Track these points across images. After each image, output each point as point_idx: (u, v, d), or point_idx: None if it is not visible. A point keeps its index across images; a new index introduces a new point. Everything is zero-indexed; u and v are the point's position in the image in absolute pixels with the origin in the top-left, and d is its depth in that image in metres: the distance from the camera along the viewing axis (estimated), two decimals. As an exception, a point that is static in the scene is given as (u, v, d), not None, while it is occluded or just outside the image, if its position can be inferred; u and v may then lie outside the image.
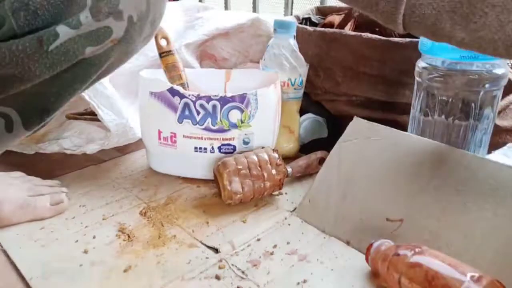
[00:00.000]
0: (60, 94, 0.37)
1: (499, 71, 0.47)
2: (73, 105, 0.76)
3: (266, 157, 0.54)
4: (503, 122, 0.60)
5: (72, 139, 0.66)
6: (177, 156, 0.59)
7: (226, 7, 1.64)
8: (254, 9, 1.62)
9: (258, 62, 0.89)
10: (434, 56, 0.49)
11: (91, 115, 0.70)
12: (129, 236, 0.48)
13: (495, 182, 0.42)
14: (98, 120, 0.63)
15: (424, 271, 0.35)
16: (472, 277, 0.31)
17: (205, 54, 0.88)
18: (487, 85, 0.47)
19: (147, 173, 0.64)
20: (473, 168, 0.44)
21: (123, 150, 0.71)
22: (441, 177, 0.45)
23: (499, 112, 0.61)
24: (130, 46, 0.38)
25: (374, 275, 0.41)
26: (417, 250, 0.37)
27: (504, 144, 0.59)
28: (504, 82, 0.48)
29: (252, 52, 0.90)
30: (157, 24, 0.41)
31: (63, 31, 0.32)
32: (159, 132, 0.59)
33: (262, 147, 0.57)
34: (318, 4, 1.43)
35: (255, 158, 0.53)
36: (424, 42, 0.50)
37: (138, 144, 0.71)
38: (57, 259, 0.44)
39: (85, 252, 0.45)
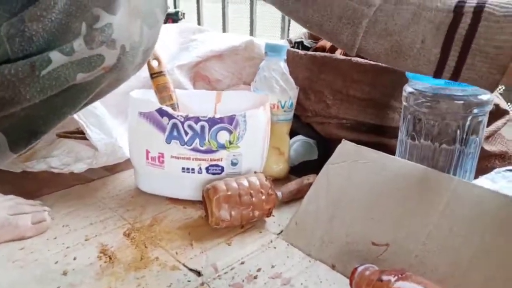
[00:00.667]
0: (49, 117, 0.37)
1: (484, 96, 0.47)
2: (65, 124, 0.76)
3: (258, 184, 0.53)
4: (491, 147, 0.60)
5: (61, 157, 0.66)
6: (164, 176, 0.59)
7: (224, 30, 1.67)
8: (251, 33, 1.65)
9: (250, 84, 0.90)
10: (420, 81, 0.49)
11: (81, 134, 0.70)
12: (110, 258, 0.47)
13: (481, 207, 0.42)
14: (87, 139, 0.63)
15: (407, 298, 0.34)
16: (454, 305, 0.31)
17: (199, 75, 0.88)
18: (474, 111, 0.48)
19: (134, 193, 0.63)
20: (460, 193, 0.44)
21: (112, 170, 0.70)
22: (428, 202, 0.45)
23: (488, 137, 0.61)
24: (121, 73, 0.38)
25: (358, 301, 0.40)
26: (401, 275, 0.36)
27: (492, 169, 0.59)
28: (489, 108, 0.49)
29: (245, 74, 0.90)
30: (150, 53, 0.42)
31: (56, 58, 0.33)
32: (147, 152, 0.59)
33: (255, 172, 0.57)
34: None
35: (246, 184, 0.53)
36: (409, 66, 0.50)
37: (128, 164, 0.70)
38: (35, 280, 0.43)
39: (64, 273, 0.44)
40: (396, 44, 0.40)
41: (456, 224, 0.42)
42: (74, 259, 0.47)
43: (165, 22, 1.76)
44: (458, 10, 0.36)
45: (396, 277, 0.36)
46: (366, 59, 0.60)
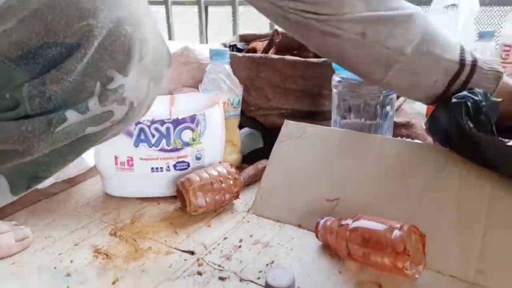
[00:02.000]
0: (52, 164, 0.40)
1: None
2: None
3: (225, 172, 0.61)
4: (398, 119, 0.76)
5: (20, 176, 0.66)
6: (134, 178, 0.64)
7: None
8: (170, 37, 1.69)
9: (191, 86, 0.97)
10: (344, 72, 0.62)
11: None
12: (107, 255, 0.51)
13: (401, 154, 0.56)
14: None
15: (361, 233, 0.45)
16: (396, 227, 0.43)
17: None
18: (383, 91, 0.62)
19: (104, 199, 0.66)
20: (384, 147, 0.57)
21: (71, 182, 0.72)
22: (363, 158, 0.57)
23: (396, 110, 0.77)
24: (126, 125, 0.42)
25: (325, 247, 0.51)
26: (355, 218, 0.48)
27: (401, 135, 0.75)
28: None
29: (184, 78, 0.97)
30: (151, 105, 0.45)
31: (72, 116, 0.36)
32: (116, 158, 0.63)
33: (220, 162, 0.65)
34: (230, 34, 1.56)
35: (215, 173, 0.60)
36: (336, 61, 0.63)
37: (85, 175, 0.73)
38: (43, 286, 0.46)
39: (68, 275, 0.48)
40: (417, 82, 0.53)
41: (388, 171, 0.55)
42: (71, 262, 0.50)
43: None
44: (462, 63, 0.52)
45: (351, 220, 0.48)
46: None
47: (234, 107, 0.73)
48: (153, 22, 0.41)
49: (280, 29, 0.84)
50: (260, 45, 0.85)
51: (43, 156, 0.38)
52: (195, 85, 0.96)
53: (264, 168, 0.71)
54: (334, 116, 0.70)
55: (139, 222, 0.59)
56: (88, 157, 0.70)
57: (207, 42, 1.61)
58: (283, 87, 0.75)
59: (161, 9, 1.70)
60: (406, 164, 0.55)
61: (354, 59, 0.53)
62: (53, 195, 0.68)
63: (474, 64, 0.52)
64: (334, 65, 0.64)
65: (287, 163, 0.63)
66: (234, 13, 1.55)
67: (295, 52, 0.83)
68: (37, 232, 0.57)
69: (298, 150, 0.63)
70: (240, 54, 0.77)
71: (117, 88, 0.37)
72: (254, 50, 0.86)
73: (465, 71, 0.51)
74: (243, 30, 1.70)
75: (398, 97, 0.78)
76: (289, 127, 0.66)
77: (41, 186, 0.66)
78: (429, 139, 0.74)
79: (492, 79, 0.52)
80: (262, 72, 0.75)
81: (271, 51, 0.81)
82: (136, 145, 0.62)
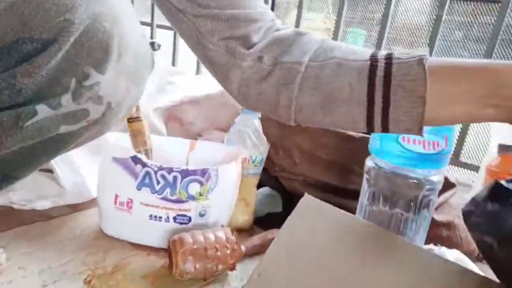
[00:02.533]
0: (25, 163, 0.38)
1: (435, 178, 0.53)
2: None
3: (224, 239, 0.55)
4: (439, 217, 0.65)
5: (23, 192, 0.64)
6: (131, 222, 0.59)
7: (197, 72, 1.70)
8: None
9: (223, 130, 0.93)
10: (380, 158, 0.54)
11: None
12: (68, 308, 0.46)
13: (427, 269, 0.46)
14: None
15: None
16: None
17: (172, 116, 0.90)
18: (425, 192, 0.53)
19: (97, 235, 0.62)
20: (409, 256, 0.47)
21: (74, 207, 0.69)
22: (381, 263, 0.48)
23: (437, 207, 0.67)
24: (104, 127, 0.40)
25: None
26: None
27: (440, 236, 0.64)
28: (439, 188, 0.54)
29: (219, 120, 0.94)
30: (133, 108, 0.43)
31: (43, 110, 0.34)
32: (116, 196, 0.59)
33: (222, 225, 0.59)
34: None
35: (212, 238, 0.54)
36: (373, 144, 0.55)
37: (91, 202, 0.70)
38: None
39: (18, 323, 0.43)
40: (328, 94, 0.43)
41: (404, 277, 0.45)
42: (30, 307, 0.45)
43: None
44: (372, 58, 0.42)
45: None
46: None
47: (255, 165, 0.68)
48: (134, 20, 0.39)
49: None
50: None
51: (15, 154, 0.36)
52: (228, 129, 0.92)
53: (272, 240, 0.63)
54: (362, 198, 0.62)
55: (120, 273, 0.54)
56: (93, 187, 0.66)
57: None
58: (312, 154, 0.68)
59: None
60: (428, 281, 0.45)
61: (258, 89, 0.46)
62: (50, 218, 0.65)
63: (389, 56, 0.41)
64: (371, 148, 0.56)
65: (296, 244, 0.55)
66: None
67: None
68: (14, 259, 0.53)
69: (311, 232, 0.55)
70: (275, 110, 0.72)
71: (92, 85, 0.36)
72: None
73: (380, 65, 0.41)
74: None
75: (443, 190, 0.68)
76: (308, 201, 0.58)
77: (41, 207, 0.63)
78: (474, 245, 0.63)
79: (415, 64, 0.39)
80: (293, 134, 0.69)
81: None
82: (139, 188, 0.57)
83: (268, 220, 0.72)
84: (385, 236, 0.52)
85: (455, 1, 1.21)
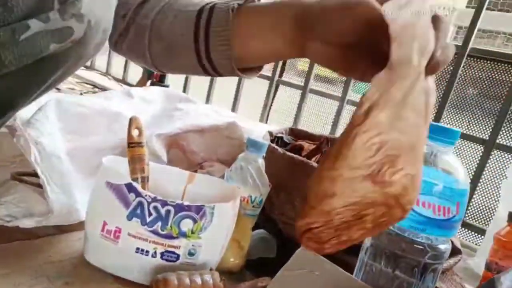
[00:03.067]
0: (17, 91, 0.40)
1: (442, 246, 0.50)
2: (24, 163, 0.72)
3: (211, 284, 0.51)
4: (441, 285, 0.62)
5: (9, 206, 0.61)
6: (115, 253, 0.56)
7: (207, 101, 1.70)
8: (233, 108, 1.68)
9: (225, 163, 0.91)
10: (385, 217, 0.51)
11: (38, 177, 0.66)
12: None
13: None
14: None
15: None
16: None
17: (175, 143, 0.89)
18: (427, 258, 0.50)
19: (78, 262, 0.59)
20: None
21: (61, 227, 0.66)
22: None
23: (442, 273, 0.63)
24: (85, 48, 0.42)
25: None
26: None
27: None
28: (444, 259, 0.51)
29: (221, 152, 0.92)
30: (107, 34, 0.46)
31: (35, 25, 0.37)
32: (104, 223, 0.56)
33: (211, 269, 0.55)
34: (292, 119, 1.52)
35: (199, 282, 0.51)
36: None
37: (80, 224, 0.67)
38: None
39: None
40: (169, 41, 0.51)
41: None
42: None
43: (152, 73, 1.77)
44: (200, 9, 0.50)
45: None
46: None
47: (253, 206, 0.65)
48: None
49: (331, 136, 0.77)
50: (306, 146, 0.77)
51: (6, 84, 0.38)
52: (231, 161, 0.90)
53: (262, 289, 0.60)
54: (362, 256, 0.58)
55: (96, 309, 0.50)
56: (84, 210, 0.64)
57: (266, 122, 1.58)
58: (314, 201, 0.65)
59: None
60: None
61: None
62: (35, 238, 0.62)
63: (213, 5, 0.49)
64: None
65: (287, 300, 0.51)
66: (302, 99, 1.52)
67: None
68: (-14, 281, 0.50)
69: (304, 287, 0.51)
70: (281, 150, 0.70)
71: (74, 1, 0.38)
72: (299, 149, 0.79)
73: (204, 14, 0.49)
74: (306, 119, 1.67)
75: (448, 256, 0.64)
76: (303, 254, 0.55)
77: (25, 225, 0.60)
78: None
79: (226, 11, 0.47)
80: (297, 179, 0.67)
81: (315, 159, 0.73)
82: (129, 218, 0.55)
83: (260, 265, 0.68)
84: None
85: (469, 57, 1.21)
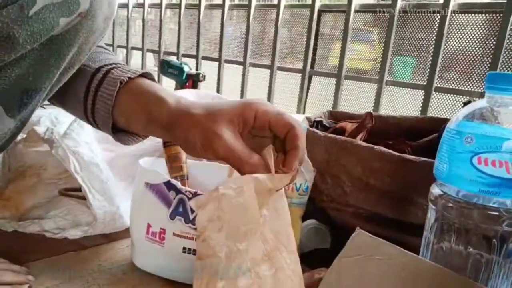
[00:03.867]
0: (36, 72, 0.40)
1: (523, 209, 0.43)
2: (69, 180, 0.73)
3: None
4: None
5: (57, 220, 0.62)
6: (163, 255, 0.54)
7: (242, 96, 1.69)
8: (269, 100, 1.66)
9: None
10: (450, 184, 0.45)
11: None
12: None
13: None
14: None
15: None
16: None
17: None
18: (505, 225, 0.43)
19: (127, 268, 0.58)
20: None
21: (109, 236, 0.65)
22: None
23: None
24: (94, 22, 0.42)
25: None
26: None
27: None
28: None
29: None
30: (114, 7, 0.45)
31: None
32: (148, 226, 0.54)
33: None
34: (330, 106, 1.47)
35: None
36: (439, 167, 0.47)
37: (126, 232, 0.66)
38: None
39: None
40: (66, 91, 0.48)
41: None
42: None
43: (185, 83, 1.78)
44: (99, 68, 0.48)
45: None
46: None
47: (299, 194, 0.61)
48: None
49: (375, 114, 0.71)
50: (349, 126, 0.72)
51: (26, 67, 0.39)
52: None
53: (320, 281, 0.55)
54: (427, 234, 0.52)
55: (148, 314, 0.48)
56: (127, 217, 0.63)
57: (304, 112, 1.54)
58: (365, 182, 0.60)
59: (265, 73, 1.70)
60: None
61: None
62: (82, 248, 0.62)
63: (109, 69, 0.47)
64: (436, 172, 0.48)
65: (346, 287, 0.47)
66: (338, 86, 1.46)
67: (390, 142, 0.68)
68: (39, 293, 0.49)
69: (364, 274, 0.46)
70: (321, 133, 0.65)
71: None
72: (342, 130, 0.74)
73: (98, 76, 0.47)
74: (344, 105, 1.60)
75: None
76: (360, 238, 0.50)
77: (73, 236, 0.60)
78: None
79: (117, 81, 0.45)
80: (342, 159, 0.62)
81: (360, 136, 0.68)
82: (172, 217, 0.53)
83: (315, 257, 0.64)
84: (459, 283, 0.42)
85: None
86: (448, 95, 1.40)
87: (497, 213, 0.43)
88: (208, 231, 0.38)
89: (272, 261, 0.42)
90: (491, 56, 1.12)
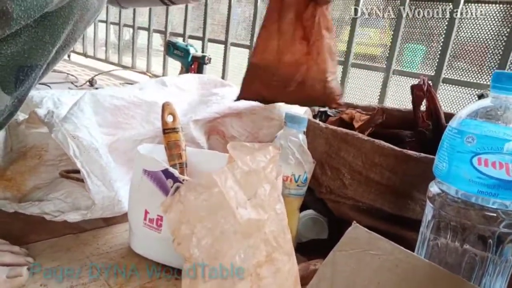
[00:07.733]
0: (32, 49, 0.40)
1: (520, 211, 0.43)
2: (70, 162, 0.73)
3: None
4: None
5: (56, 202, 0.62)
6: (160, 241, 0.54)
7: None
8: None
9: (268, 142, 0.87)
10: (448, 184, 0.45)
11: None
12: (82, 336, 0.42)
13: None
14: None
15: None
16: None
17: (214, 129, 0.86)
18: (502, 227, 0.43)
19: (125, 253, 0.58)
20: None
21: (108, 220, 0.66)
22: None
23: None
24: (86, 1, 0.42)
25: None
26: None
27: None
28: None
29: (262, 134, 0.88)
30: None
31: None
32: (146, 212, 0.55)
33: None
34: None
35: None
36: (439, 166, 0.46)
37: (125, 216, 0.67)
38: None
39: None
40: None
41: None
42: (43, 331, 0.42)
43: (190, 65, 1.76)
44: None
45: None
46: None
47: (298, 185, 0.60)
48: None
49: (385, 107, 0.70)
50: (357, 116, 0.71)
51: (21, 43, 0.39)
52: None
53: (315, 273, 0.56)
54: (424, 230, 0.52)
55: (143, 299, 0.49)
56: (125, 202, 0.63)
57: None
58: (365, 175, 0.60)
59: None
60: None
61: None
62: (82, 231, 0.63)
63: None
64: (436, 170, 0.47)
65: (341, 280, 0.47)
66: (344, 74, 1.44)
67: (395, 133, 0.68)
68: (38, 275, 0.50)
69: (359, 268, 0.46)
70: (322, 125, 0.65)
71: None
72: (349, 118, 0.73)
73: None
74: (350, 93, 1.58)
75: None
76: (356, 232, 0.50)
77: (72, 219, 0.61)
78: None
79: None
80: (343, 151, 0.62)
81: (369, 131, 0.67)
82: (169, 204, 0.53)
83: (311, 247, 0.64)
84: (451, 281, 0.42)
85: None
86: (456, 87, 1.38)
87: (495, 214, 0.43)
88: (180, 235, 0.38)
89: (272, 262, 0.43)
90: (502, 47, 1.09)
